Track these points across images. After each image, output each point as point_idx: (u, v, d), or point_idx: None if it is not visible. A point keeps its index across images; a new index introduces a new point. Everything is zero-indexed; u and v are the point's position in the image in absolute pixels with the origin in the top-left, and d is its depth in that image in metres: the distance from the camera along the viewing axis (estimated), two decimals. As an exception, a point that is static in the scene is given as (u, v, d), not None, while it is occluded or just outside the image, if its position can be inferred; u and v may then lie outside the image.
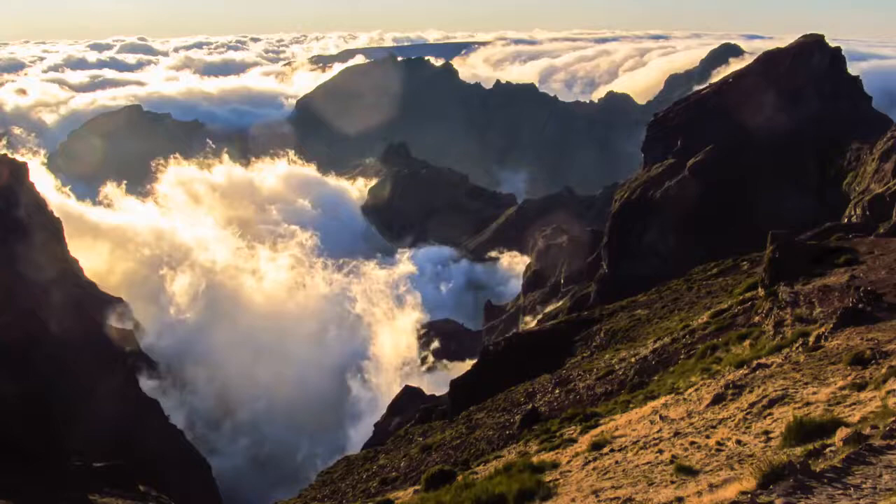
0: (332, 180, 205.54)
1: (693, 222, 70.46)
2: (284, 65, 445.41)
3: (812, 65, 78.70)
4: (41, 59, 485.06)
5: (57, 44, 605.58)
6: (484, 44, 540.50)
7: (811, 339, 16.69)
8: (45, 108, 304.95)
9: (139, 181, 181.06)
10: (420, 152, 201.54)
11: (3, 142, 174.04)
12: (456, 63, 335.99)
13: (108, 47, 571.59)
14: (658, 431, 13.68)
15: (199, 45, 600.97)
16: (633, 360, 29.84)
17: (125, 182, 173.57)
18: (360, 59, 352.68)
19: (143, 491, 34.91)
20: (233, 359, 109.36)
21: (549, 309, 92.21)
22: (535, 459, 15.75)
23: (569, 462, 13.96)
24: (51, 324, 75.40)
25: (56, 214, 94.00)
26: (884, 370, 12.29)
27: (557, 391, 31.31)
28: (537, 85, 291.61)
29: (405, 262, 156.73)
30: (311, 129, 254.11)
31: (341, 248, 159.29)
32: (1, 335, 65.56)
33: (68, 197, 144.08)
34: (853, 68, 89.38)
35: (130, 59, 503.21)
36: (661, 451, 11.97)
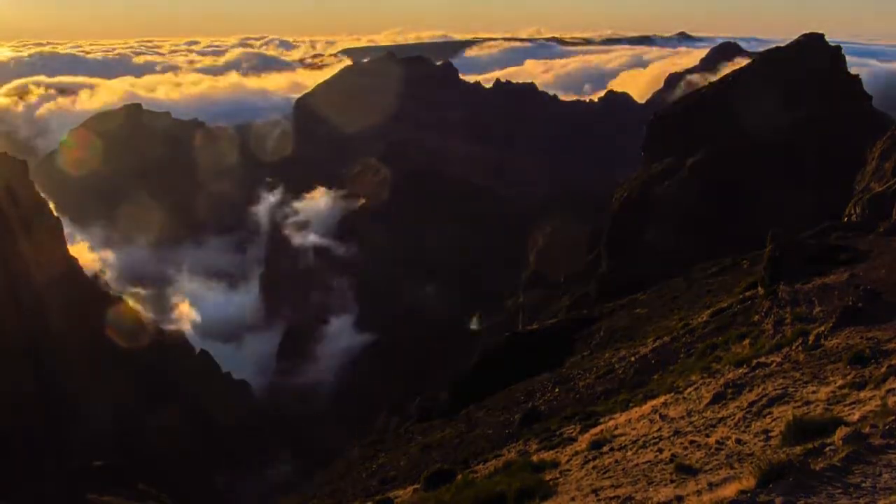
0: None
1: (693, 221, 70.38)
2: (286, 63, 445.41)
3: (812, 64, 78.64)
4: (40, 57, 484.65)
5: (57, 43, 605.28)
6: (484, 43, 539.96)
7: (811, 337, 16.67)
8: (45, 107, 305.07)
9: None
10: (420, 152, 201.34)
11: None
12: (456, 62, 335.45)
13: (109, 47, 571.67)
14: (658, 430, 13.67)
15: (197, 45, 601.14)
16: (632, 358, 29.84)
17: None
18: (359, 58, 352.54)
19: (143, 491, 34.93)
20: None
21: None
22: (534, 458, 15.75)
23: (568, 461, 13.95)
24: (51, 324, 75.41)
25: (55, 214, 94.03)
26: (883, 369, 12.29)
27: (557, 390, 31.30)
28: (537, 84, 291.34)
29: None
30: (311, 128, 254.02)
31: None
32: (1, 335, 65.55)
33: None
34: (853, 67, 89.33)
35: (130, 57, 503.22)
36: (660, 450, 11.96)
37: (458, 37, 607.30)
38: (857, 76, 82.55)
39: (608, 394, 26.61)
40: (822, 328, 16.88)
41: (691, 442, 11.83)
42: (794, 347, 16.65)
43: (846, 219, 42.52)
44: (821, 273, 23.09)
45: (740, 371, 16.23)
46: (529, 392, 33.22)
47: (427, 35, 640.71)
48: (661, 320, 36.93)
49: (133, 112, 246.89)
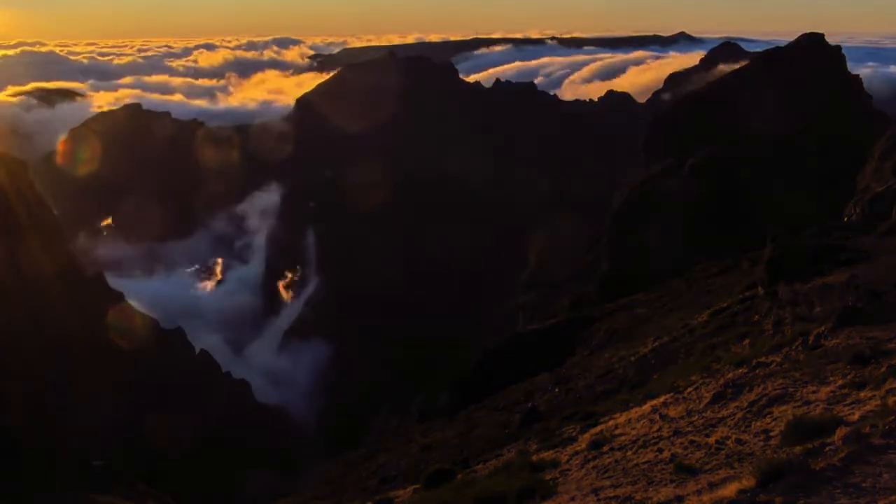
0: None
1: (693, 221, 70.39)
2: (286, 63, 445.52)
3: (812, 64, 78.69)
4: (40, 58, 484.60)
5: (57, 43, 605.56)
6: (484, 43, 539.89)
7: (811, 337, 16.66)
8: (45, 107, 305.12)
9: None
10: (420, 152, 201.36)
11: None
12: (456, 62, 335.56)
13: (109, 48, 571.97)
14: (658, 430, 13.67)
15: (198, 45, 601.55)
16: (632, 358, 29.85)
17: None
18: (359, 58, 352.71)
19: (143, 491, 34.90)
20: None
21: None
22: (534, 458, 15.74)
23: (568, 461, 13.94)
24: (51, 323, 75.41)
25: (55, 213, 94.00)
26: (883, 369, 12.28)
27: (557, 390, 31.31)
28: (537, 84, 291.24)
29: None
30: (311, 128, 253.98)
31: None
32: (11, 335, 65.58)
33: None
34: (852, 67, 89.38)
35: (131, 58, 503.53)
36: (660, 450, 11.96)
37: (458, 37, 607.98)
38: (857, 76, 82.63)
39: (608, 394, 26.61)
40: (822, 328, 16.86)
41: (691, 442, 11.82)
42: (794, 347, 16.63)
43: (846, 219, 42.52)
44: (821, 273, 23.06)
45: (740, 371, 16.21)
46: (529, 392, 33.23)
47: (428, 35, 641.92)
48: (661, 320, 36.95)
49: (133, 112, 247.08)
